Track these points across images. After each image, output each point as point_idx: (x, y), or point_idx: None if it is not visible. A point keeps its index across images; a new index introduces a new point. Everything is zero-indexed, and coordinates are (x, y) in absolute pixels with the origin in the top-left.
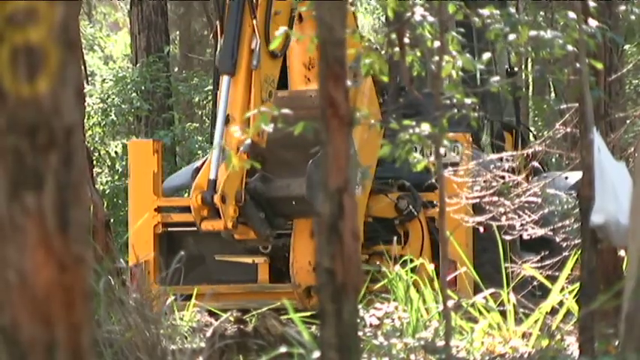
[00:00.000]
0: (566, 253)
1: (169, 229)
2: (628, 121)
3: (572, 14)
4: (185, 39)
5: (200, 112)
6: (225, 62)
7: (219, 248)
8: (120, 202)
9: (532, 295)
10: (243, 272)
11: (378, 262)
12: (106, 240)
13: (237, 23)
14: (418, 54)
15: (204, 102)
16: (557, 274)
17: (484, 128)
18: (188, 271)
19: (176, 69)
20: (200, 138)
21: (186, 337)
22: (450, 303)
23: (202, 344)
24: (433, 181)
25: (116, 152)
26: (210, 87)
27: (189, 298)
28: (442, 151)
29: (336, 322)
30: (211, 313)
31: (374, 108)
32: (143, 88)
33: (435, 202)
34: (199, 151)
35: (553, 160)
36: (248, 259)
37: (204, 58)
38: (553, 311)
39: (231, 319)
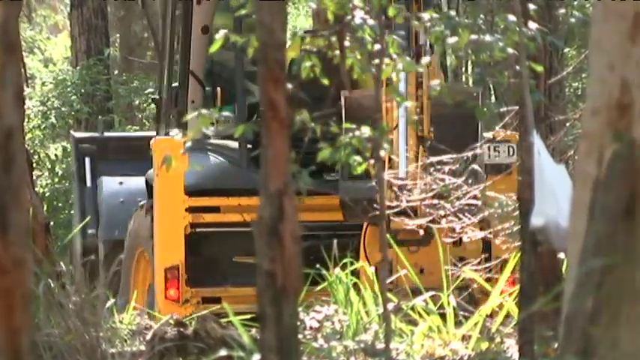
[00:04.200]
0: (505, 256)
1: (197, 229)
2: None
3: (512, 17)
4: (125, 42)
5: (140, 115)
6: None
7: (245, 249)
8: (60, 205)
9: (472, 297)
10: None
11: (318, 265)
12: (45, 243)
13: None
14: (358, 57)
15: (145, 105)
16: (496, 276)
17: None
18: (214, 273)
19: (116, 72)
20: None
21: (125, 340)
22: (390, 306)
23: (142, 347)
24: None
25: (56, 155)
26: (151, 90)
27: (215, 300)
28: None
29: (276, 324)
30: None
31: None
32: (83, 90)
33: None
34: None
35: None
36: None
37: (144, 61)
38: (493, 314)
39: (171, 321)
